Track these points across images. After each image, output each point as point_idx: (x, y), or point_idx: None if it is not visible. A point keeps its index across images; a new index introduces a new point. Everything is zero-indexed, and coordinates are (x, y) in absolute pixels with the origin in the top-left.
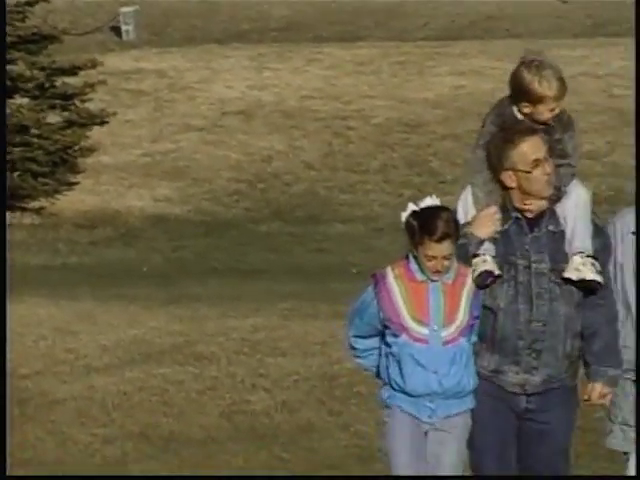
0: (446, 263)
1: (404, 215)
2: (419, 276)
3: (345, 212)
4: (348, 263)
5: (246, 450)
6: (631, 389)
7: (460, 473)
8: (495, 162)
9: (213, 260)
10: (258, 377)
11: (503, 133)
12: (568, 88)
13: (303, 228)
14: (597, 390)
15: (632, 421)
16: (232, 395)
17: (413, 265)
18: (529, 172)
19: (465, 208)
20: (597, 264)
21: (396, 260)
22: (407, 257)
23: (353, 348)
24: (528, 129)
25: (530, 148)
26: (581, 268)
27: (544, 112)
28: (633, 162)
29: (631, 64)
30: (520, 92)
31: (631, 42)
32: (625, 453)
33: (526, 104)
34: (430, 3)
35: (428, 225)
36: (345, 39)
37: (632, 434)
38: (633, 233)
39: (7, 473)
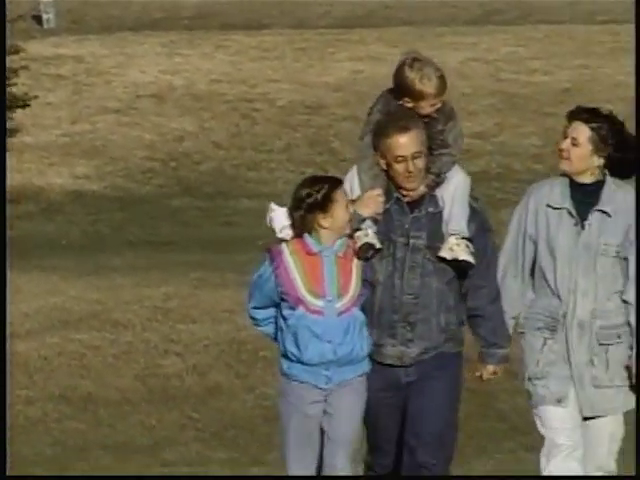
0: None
1: (273, 213)
2: (315, 248)
3: (251, 188)
4: (254, 236)
5: (158, 410)
6: (532, 342)
7: (359, 430)
8: (375, 145)
9: (128, 233)
10: (170, 342)
11: (384, 121)
12: (458, 74)
13: (212, 203)
14: (489, 370)
15: (540, 374)
16: (146, 359)
17: (308, 239)
18: (393, 165)
19: (351, 187)
20: (471, 245)
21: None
22: (301, 234)
23: (253, 318)
24: (404, 126)
25: (397, 144)
26: (455, 248)
27: (425, 107)
28: (520, 141)
29: (631, 64)
30: (402, 89)
31: (631, 42)
32: (537, 405)
33: (408, 100)
34: None
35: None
36: (251, 27)
37: (539, 388)
38: (547, 205)
39: (7, 473)
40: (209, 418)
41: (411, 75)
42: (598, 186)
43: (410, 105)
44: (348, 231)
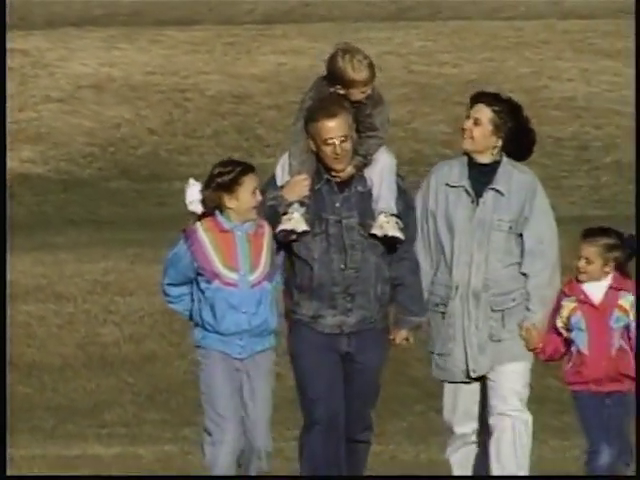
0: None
1: (188, 187)
2: (227, 225)
3: (183, 171)
4: (186, 215)
5: (98, 376)
6: (440, 322)
7: (271, 405)
8: (306, 130)
9: (70, 213)
10: (108, 313)
11: (314, 107)
12: (375, 66)
13: (147, 185)
14: (402, 336)
15: (443, 350)
16: (86, 329)
17: (220, 217)
18: (322, 147)
19: (282, 172)
20: (400, 222)
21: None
22: (213, 213)
23: (167, 295)
24: (332, 112)
25: (325, 128)
26: (385, 225)
27: (356, 94)
28: (431, 128)
29: (631, 64)
30: (334, 77)
31: (631, 42)
32: (442, 381)
33: (340, 87)
34: None
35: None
36: (183, 23)
37: (442, 362)
38: (446, 184)
39: (7, 473)
40: (144, 383)
41: (343, 64)
42: (494, 166)
43: (342, 92)
44: (253, 217)
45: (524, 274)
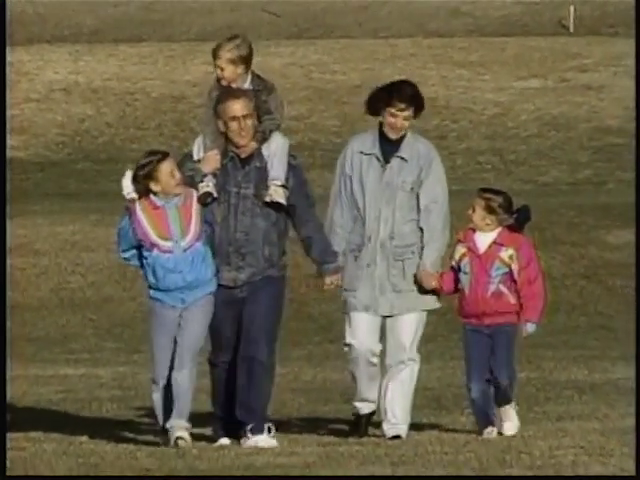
0: None
1: (123, 178)
2: (159, 202)
3: (133, 156)
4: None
5: (67, 314)
6: (353, 264)
7: (200, 339)
8: (215, 112)
9: (45, 188)
10: (76, 265)
11: (221, 93)
12: (281, 75)
13: (105, 166)
14: (327, 282)
15: (350, 286)
16: (58, 277)
17: (152, 197)
18: (228, 124)
19: (198, 149)
20: (287, 191)
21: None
22: (147, 194)
23: (124, 258)
24: (236, 94)
25: (231, 107)
26: (273, 193)
27: (217, 71)
28: (325, 122)
29: (631, 61)
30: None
31: (631, 42)
32: (345, 313)
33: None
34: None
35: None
36: (133, 40)
37: (349, 296)
38: (360, 152)
39: (7, 473)
40: (103, 319)
41: (218, 44)
42: (401, 139)
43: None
44: (178, 191)
45: (421, 229)
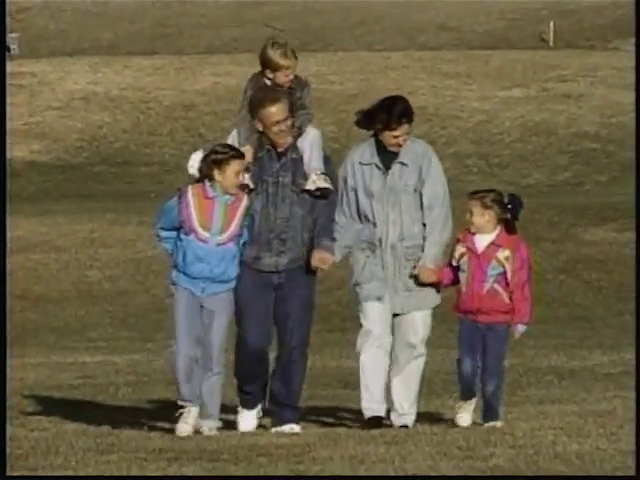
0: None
1: (193, 154)
2: (211, 193)
3: (147, 159)
4: (148, 191)
5: (86, 305)
6: (358, 256)
7: (225, 338)
8: (253, 114)
9: (66, 189)
10: (94, 260)
11: (259, 95)
12: (296, 54)
13: (121, 169)
14: (314, 254)
15: (363, 279)
16: (78, 272)
17: (207, 186)
18: (270, 127)
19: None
20: (328, 179)
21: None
22: (203, 182)
23: (158, 236)
24: (274, 98)
25: (272, 112)
26: (316, 181)
27: (281, 77)
28: (323, 129)
29: (631, 62)
30: (265, 63)
31: (631, 43)
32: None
33: (269, 71)
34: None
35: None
36: (147, 53)
37: (360, 289)
38: (360, 163)
39: (7, 473)
40: (119, 311)
41: (271, 52)
42: None
43: (271, 76)
44: (234, 192)
45: (424, 225)
